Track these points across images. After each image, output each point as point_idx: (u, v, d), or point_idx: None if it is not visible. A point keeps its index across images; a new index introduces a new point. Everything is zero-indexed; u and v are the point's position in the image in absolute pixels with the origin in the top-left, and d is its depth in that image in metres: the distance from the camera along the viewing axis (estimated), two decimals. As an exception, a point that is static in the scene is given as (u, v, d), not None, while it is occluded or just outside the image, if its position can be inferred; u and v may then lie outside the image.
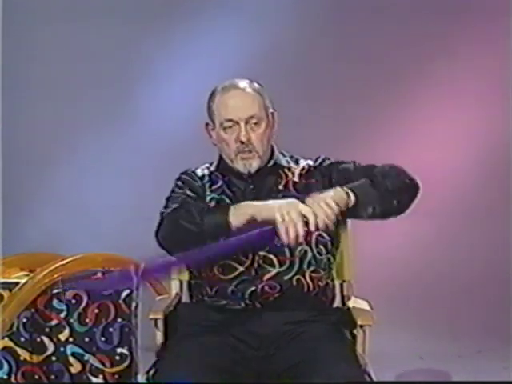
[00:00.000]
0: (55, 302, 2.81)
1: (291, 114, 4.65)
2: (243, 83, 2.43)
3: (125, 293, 2.83)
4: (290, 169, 2.43)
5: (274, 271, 2.28)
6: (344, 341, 2.31)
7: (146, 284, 3.11)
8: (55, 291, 2.81)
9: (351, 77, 4.61)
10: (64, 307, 2.81)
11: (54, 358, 2.82)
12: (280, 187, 2.39)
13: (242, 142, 2.33)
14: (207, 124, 2.46)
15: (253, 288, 2.27)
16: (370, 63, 4.63)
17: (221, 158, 2.48)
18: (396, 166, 2.34)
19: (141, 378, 2.29)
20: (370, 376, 2.27)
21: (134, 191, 4.61)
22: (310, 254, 2.33)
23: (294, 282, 2.30)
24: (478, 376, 3.51)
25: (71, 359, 2.82)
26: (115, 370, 2.82)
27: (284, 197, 2.33)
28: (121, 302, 2.81)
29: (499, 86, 4.60)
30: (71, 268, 2.89)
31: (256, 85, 2.45)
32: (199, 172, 2.49)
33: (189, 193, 2.40)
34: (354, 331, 2.38)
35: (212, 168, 2.49)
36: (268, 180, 2.40)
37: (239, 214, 2.13)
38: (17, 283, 2.81)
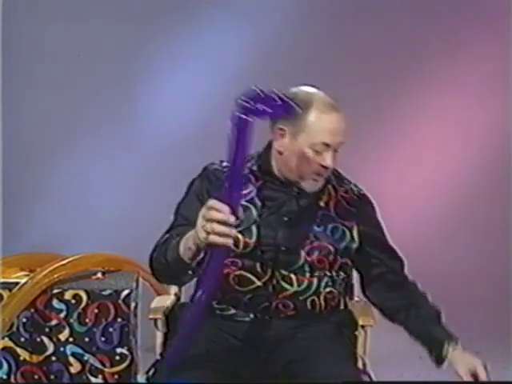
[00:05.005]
0: (55, 302, 2.81)
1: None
2: (336, 104, 2.27)
3: (124, 293, 2.83)
4: (334, 187, 2.35)
5: (291, 290, 2.24)
6: (344, 341, 2.31)
7: (146, 284, 3.11)
8: (55, 291, 2.82)
9: (351, 77, 4.61)
10: (64, 307, 2.81)
11: (53, 358, 2.82)
12: (321, 204, 2.31)
13: (326, 167, 2.23)
14: (280, 128, 2.24)
15: (267, 304, 2.24)
16: (370, 63, 4.63)
17: (266, 158, 2.33)
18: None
19: (141, 377, 2.29)
20: (369, 376, 2.28)
21: (134, 191, 4.61)
22: (328, 275, 2.30)
23: (309, 303, 2.27)
24: (477, 376, 3.50)
25: (71, 359, 2.82)
26: (115, 370, 2.82)
27: (323, 216, 2.29)
28: (120, 301, 2.81)
29: (499, 86, 4.60)
30: (71, 268, 2.89)
31: None
32: (227, 169, 2.28)
33: (193, 211, 2.20)
34: (356, 332, 2.38)
35: (248, 165, 2.32)
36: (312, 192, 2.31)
37: (185, 249, 2.00)
38: (17, 283, 2.81)
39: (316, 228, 2.27)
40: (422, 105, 4.70)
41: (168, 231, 2.27)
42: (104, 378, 2.82)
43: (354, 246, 2.32)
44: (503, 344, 3.97)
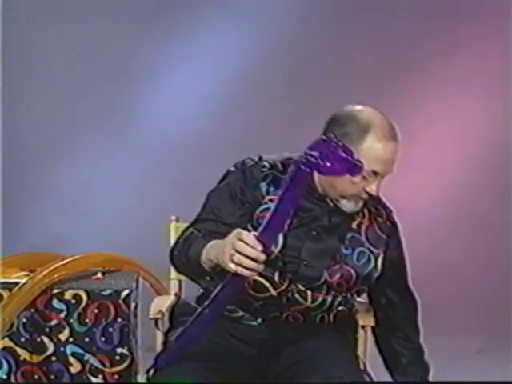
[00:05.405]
0: (55, 302, 2.81)
1: (291, 113, 4.67)
2: (395, 131, 2.21)
3: (124, 293, 2.82)
4: (370, 209, 2.26)
5: (304, 305, 2.20)
6: (344, 341, 2.30)
7: (146, 284, 3.11)
8: (55, 291, 2.82)
9: (351, 77, 4.61)
10: (64, 307, 2.81)
11: (53, 358, 2.81)
12: (353, 225, 2.24)
13: (370, 195, 2.16)
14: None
15: (277, 314, 2.21)
16: (370, 64, 4.64)
17: None
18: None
19: (141, 377, 2.29)
20: (370, 376, 2.27)
21: (135, 191, 4.61)
22: (343, 295, 2.26)
23: (318, 318, 2.24)
24: (477, 376, 3.51)
25: (71, 359, 2.81)
26: (115, 370, 2.82)
27: (352, 238, 2.22)
28: (120, 301, 2.81)
29: (499, 86, 4.60)
30: (71, 268, 2.88)
31: None
32: (265, 169, 2.21)
33: (223, 206, 2.18)
34: (357, 335, 2.37)
35: (289, 168, 2.19)
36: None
37: (207, 258, 1.97)
38: (17, 283, 2.80)
39: (343, 250, 2.21)
40: (421, 105, 4.70)
41: (193, 223, 2.21)
42: (104, 377, 2.82)
43: (376, 274, 2.25)
44: (503, 344, 3.98)
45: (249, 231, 1.90)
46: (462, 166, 4.79)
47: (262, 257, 1.81)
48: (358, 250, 2.22)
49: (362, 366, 2.29)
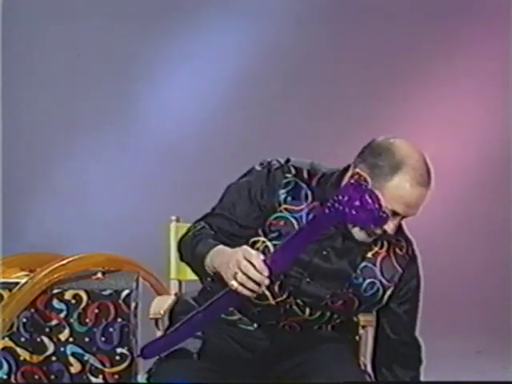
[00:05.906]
0: (55, 302, 2.81)
1: (290, 113, 4.67)
2: (428, 176, 2.16)
3: (124, 293, 2.82)
4: (389, 240, 2.16)
5: (302, 317, 2.17)
6: (345, 341, 2.30)
7: (146, 284, 3.12)
8: (55, 291, 2.82)
9: (351, 77, 4.61)
10: (64, 307, 2.81)
11: (54, 358, 2.81)
12: (368, 254, 2.14)
13: (384, 231, 2.05)
14: (359, 175, 2.01)
15: (274, 322, 2.19)
16: (370, 64, 4.64)
17: (335, 184, 2.09)
18: None
19: (141, 378, 2.28)
20: (370, 376, 2.27)
21: (135, 191, 4.61)
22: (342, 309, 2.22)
23: (316, 327, 2.22)
24: (477, 376, 3.51)
25: (71, 359, 2.81)
26: (115, 370, 2.82)
27: (365, 268, 2.13)
28: (120, 301, 2.81)
29: (499, 86, 4.60)
30: (71, 268, 2.88)
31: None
32: (289, 175, 2.11)
33: (239, 205, 2.11)
34: (357, 336, 2.37)
35: (314, 179, 2.11)
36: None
37: (211, 263, 1.95)
38: (17, 283, 2.80)
39: (354, 279, 2.13)
40: (422, 105, 4.70)
41: (206, 216, 2.15)
42: (104, 378, 2.82)
43: (378, 306, 2.20)
44: (503, 344, 3.98)
45: (259, 236, 1.88)
46: (462, 166, 4.78)
47: (266, 282, 1.80)
48: (368, 280, 2.14)
49: (362, 367, 2.29)
